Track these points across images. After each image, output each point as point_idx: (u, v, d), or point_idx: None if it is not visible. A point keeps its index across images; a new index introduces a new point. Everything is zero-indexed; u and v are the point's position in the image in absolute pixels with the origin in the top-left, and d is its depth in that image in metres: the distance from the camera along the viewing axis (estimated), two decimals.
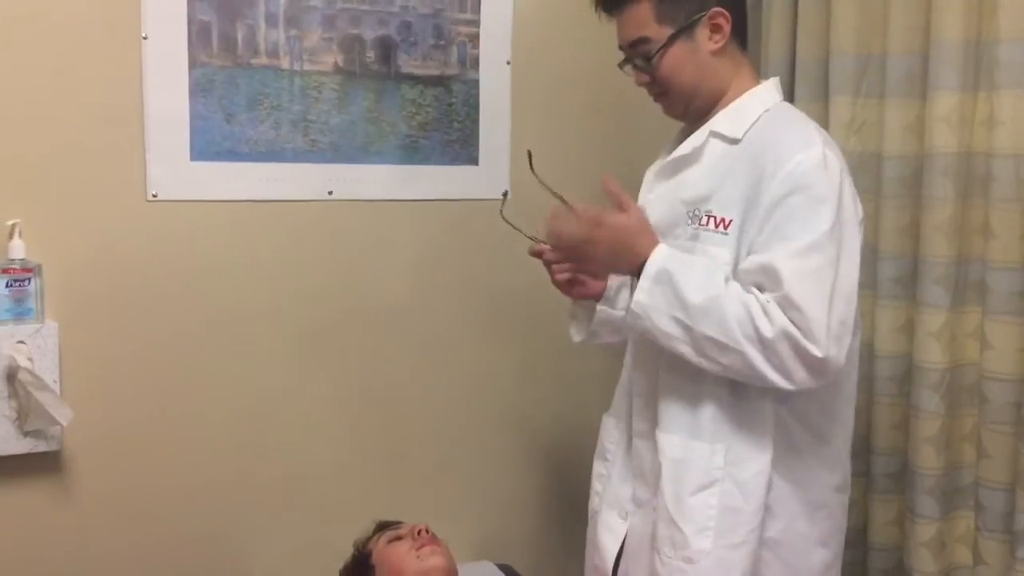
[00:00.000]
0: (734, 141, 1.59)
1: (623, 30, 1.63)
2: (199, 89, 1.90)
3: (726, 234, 1.56)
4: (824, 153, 1.51)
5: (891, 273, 2.03)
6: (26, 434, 1.79)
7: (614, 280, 1.77)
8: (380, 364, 2.13)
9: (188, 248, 1.93)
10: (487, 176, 2.17)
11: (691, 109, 1.65)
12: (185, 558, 1.98)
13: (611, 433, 1.79)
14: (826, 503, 1.65)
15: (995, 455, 1.93)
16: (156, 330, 1.92)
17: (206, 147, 1.91)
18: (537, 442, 2.28)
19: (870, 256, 2.09)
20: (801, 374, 1.47)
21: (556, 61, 2.23)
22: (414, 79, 2.09)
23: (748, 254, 1.53)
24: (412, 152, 2.09)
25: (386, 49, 2.06)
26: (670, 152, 1.70)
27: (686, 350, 1.51)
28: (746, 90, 1.63)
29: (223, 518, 2.01)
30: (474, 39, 2.14)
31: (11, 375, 1.76)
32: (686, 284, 1.50)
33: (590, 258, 1.62)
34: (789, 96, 2.19)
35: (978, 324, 1.95)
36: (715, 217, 1.58)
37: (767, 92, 1.64)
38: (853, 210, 1.55)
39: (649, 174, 1.75)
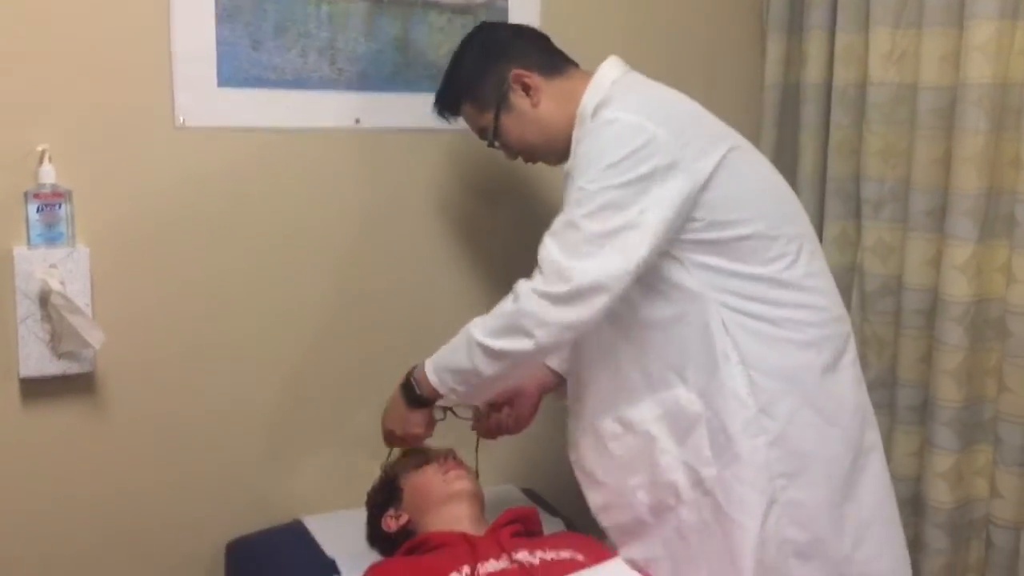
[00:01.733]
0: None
1: (469, 126, 1.81)
2: (225, 15, 1.88)
3: None
4: (615, 116, 1.56)
5: (922, 206, 2.02)
6: (59, 356, 1.81)
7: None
8: (410, 291, 2.14)
9: (215, 176, 1.93)
10: None
11: (560, 151, 1.69)
12: (214, 481, 2.02)
13: None
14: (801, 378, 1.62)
15: (1016, 389, 1.94)
16: (185, 256, 1.93)
17: (233, 74, 1.90)
18: None
19: (902, 189, 2.08)
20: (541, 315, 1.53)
21: None
22: (441, 7, 2.06)
23: None
24: (439, 81, 2.06)
25: None
26: None
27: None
28: (579, 97, 1.68)
29: (251, 440, 2.05)
30: None
31: (44, 298, 1.78)
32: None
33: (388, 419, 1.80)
34: (831, 24, 2.17)
35: (1006, 258, 1.94)
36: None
37: (597, 84, 1.67)
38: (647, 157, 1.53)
39: None
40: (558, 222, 1.55)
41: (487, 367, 1.58)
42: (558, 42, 2.15)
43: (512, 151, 1.79)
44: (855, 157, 2.17)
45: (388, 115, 2.04)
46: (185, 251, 1.93)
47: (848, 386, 1.64)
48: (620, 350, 1.65)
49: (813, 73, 2.23)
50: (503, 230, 2.20)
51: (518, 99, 1.72)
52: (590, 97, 1.67)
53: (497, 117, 1.73)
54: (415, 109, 2.05)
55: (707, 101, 1.71)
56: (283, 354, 2.04)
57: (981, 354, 2.00)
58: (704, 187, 1.54)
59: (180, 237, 1.92)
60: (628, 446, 1.66)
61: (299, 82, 1.96)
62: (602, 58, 2.10)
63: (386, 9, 2.01)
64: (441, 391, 1.66)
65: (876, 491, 1.65)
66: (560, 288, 1.50)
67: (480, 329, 1.59)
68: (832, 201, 2.22)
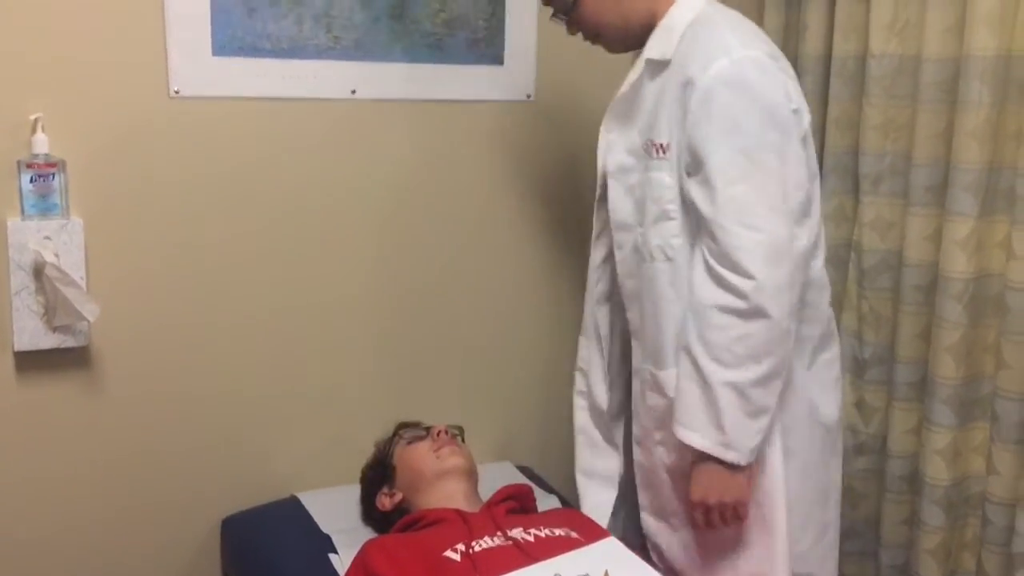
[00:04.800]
0: (664, 63, 1.61)
1: None
2: None
3: (665, 158, 1.61)
4: (740, 58, 1.53)
5: (923, 181, 2.00)
6: (54, 329, 1.80)
7: None
8: (404, 267, 2.13)
9: (210, 145, 1.91)
10: (512, 77, 2.13)
11: (629, 42, 1.68)
12: (209, 454, 2.01)
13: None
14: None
15: (1014, 365, 1.93)
16: (179, 228, 1.91)
17: (228, 42, 1.87)
18: (560, 345, 2.29)
19: (903, 164, 2.06)
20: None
21: None
22: None
23: (687, 174, 1.58)
24: (436, 51, 2.04)
25: None
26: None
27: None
28: (669, 1, 1.64)
29: (247, 416, 2.04)
30: None
31: (38, 271, 1.76)
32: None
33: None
34: None
35: (1005, 233, 1.93)
36: (657, 144, 1.62)
37: (689, 2, 1.64)
38: (782, 104, 1.56)
39: (608, 111, 1.76)
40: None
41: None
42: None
43: (579, 27, 1.72)
44: (854, 131, 2.15)
45: (384, 86, 2.02)
46: (180, 222, 1.91)
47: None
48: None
49: (812, 44, 2.21)
50: (499, 202, 2.19)
51: None
52: (681, 11, 1.63)
53: None
54: (411, 79, 2.03)
55: None
56: (279, 328, 2.03)
57: (980, 331, 1.99)
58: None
59: (175, 208, 1.90)
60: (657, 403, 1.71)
61: (294, 51, 1.93)
62: None
63: None
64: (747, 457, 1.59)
65: None
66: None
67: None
68: (830, 176, 2.20)
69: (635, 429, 1.79)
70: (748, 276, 1.51)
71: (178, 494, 1.99)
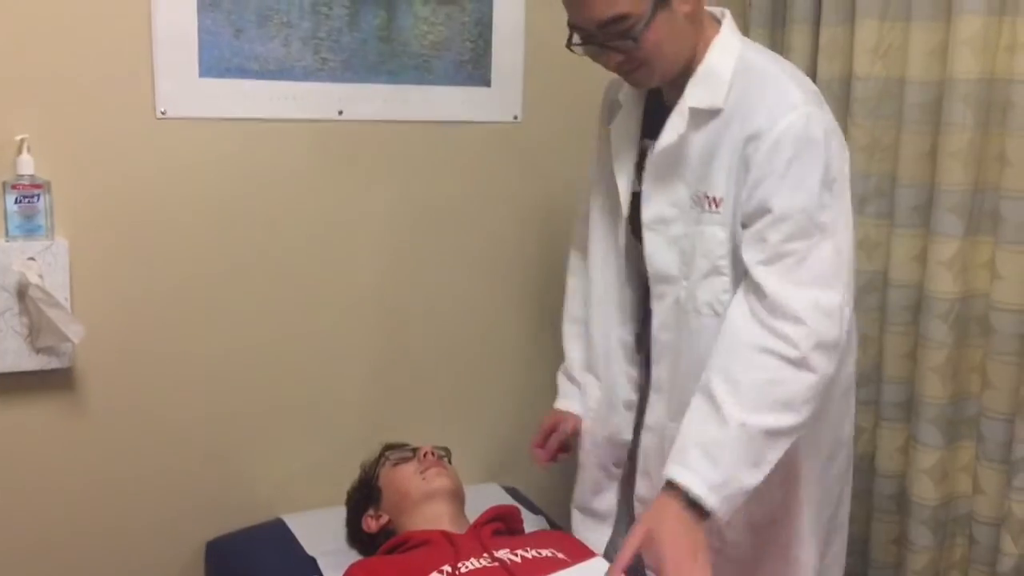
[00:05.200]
0: (713, 113, 1.53)
1: (592, 10, 1.46)
2: (208, 3, 1.85)
3: (718, 212, 1.53)
4: (808, 113, 1.47)
5: (909, 202, 2.01)
6: (37, 351, 1.79)
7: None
8: (389, 288, 2.12)
9: (197, 167, 1.91)
10: (499, 98, 2.14)
11: (667, 77, 1.56)
12: (193, 476, 2.00)
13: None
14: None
15: (999, 386, 1.94)
16: (165, 249, 1.90)
17: (215, 63, 1.88)
18: (547, 368, 2.29)
19: (888, 185, 2.08)
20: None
21: None
22: None
23: (742, 227, 1.50)
24: (424, 72, 2.05)
25: None
26: (630, 110, 1.67)
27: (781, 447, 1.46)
28: (706, 40, 1.55)
29: (232, 438, 2.03)
30: None
31: (22, 292, 1.75)
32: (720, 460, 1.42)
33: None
34: (815, 17, 2.15)
35: (990, 254, 1.94)
36: (710, 197, 1.55)
37: (727, 41, 1.56)
38: (842, 165, 1.52)
39: (651, 166, 1.62)
40: None
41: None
42: (544, 27, 2.14)
43: (631, 56, 1.51)
44: None
45: (371, 106, 2.02)
46: (165, 244, 1.91)
47: None
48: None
49: (797, 66, 2.22)
50: (485, 223, 2.19)
51: (681, 2, 1.50)
52: (721, 55, 1.54)
53: (654, 12, 1.46)
54: (398, 101, 2.04)
55: None
56: (264, 349, 2.02)
57: (966, 351, 1.99)
58: None
59: (161, 230, 1.90)
60: None
61: (282, 72, 1.94)
62: None
63: None
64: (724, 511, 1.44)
65: None
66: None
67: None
68: None
69: (641, 487, 1.71)
70: (800, 323, 1.43)
71: (162, 516, 1.98)
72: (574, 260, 1.92)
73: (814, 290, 1.45)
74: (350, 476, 1.98)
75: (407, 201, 2.11)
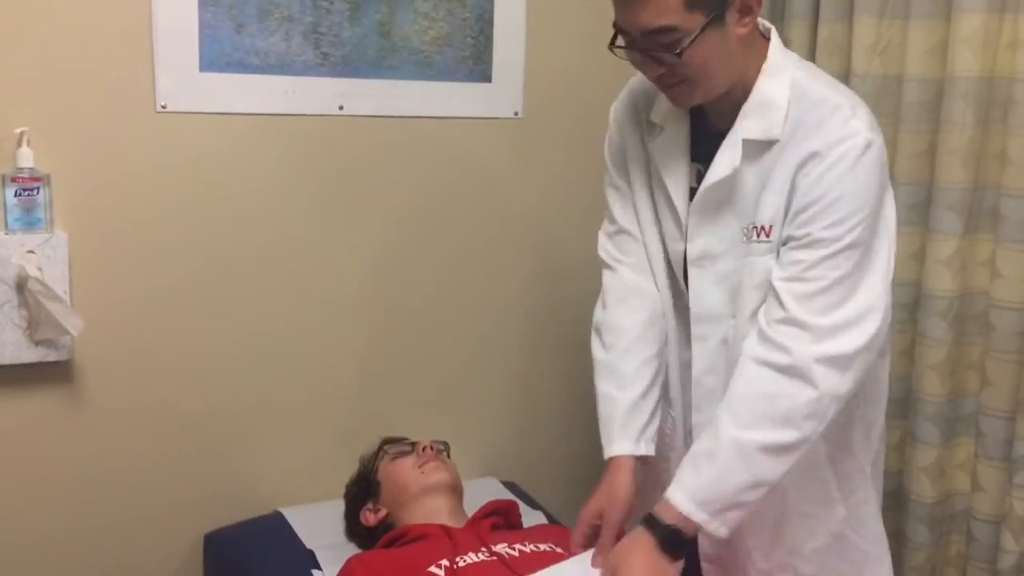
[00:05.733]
0: (768, 144, 1.45)
1: (639, 15, 1.37)
2: None
3: (769, 241, 1.46)
4: (869, 142, 1.40)
5: (907, 199, 2.01)
6: (36, 343, 1.79)
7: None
8: (389, 283, 2.12)
9: (197, 161, 1.91)
10: (500, 94, 2.14)
11: (710, 96, 1.47)
12: (192, 469, 2.00)
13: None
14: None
15: (999, 383, 1.94)
16: (164, 243, 1.91)
17: (215, 58, 1.88)
18: (545, 362, 2.29)
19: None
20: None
21: None
22: None
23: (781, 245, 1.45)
24: (424, 68, 2.05)
25: None
26: (652, 114, 1.58)
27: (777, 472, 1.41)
28: (756, 64, 1.46)
29: (231, 431, 2.03)
30: None
31: (21, 284, 1.76)
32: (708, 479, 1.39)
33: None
34: (813, 14, 2.15)
35: (989, 252, 1.94)
36: (759, 227, 1.47)
37: (778, 63, 1.47)
38: (888, 193, 1.47)
39: (700, 201, 1.52)
40: None
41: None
42: (545, 23, 2.14)
43: (674, 70, 1.42)
44: None
45: (372, 102, 2.02)
46: (165, 238, 1.91)
47: None
48: None
49: None
50: (485, 218, 2.19)
51: (731, 19, 1.39)
52: (775, 83, 1.45)
53: (704, 29, 1.36)
54: (399, 96, 2.04)
55: None
56: (263, 342, 2.03)
57: (964, 348, 1.99)
58: None
59: (160, 223, 1.90)
60: None
61: (282, 67, 1.94)
62: (585, 49, 2.09)
63: None
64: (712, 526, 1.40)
65: None
66: None
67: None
68: None
69: None
70: (802, 334, 1.38)
71: (160, 509, 1.98)
72: (615, 279, 1.68)
73: (834, 313, 1.39)
74: (349, 470, 1.98)
75: (407, 196, 2.11)
